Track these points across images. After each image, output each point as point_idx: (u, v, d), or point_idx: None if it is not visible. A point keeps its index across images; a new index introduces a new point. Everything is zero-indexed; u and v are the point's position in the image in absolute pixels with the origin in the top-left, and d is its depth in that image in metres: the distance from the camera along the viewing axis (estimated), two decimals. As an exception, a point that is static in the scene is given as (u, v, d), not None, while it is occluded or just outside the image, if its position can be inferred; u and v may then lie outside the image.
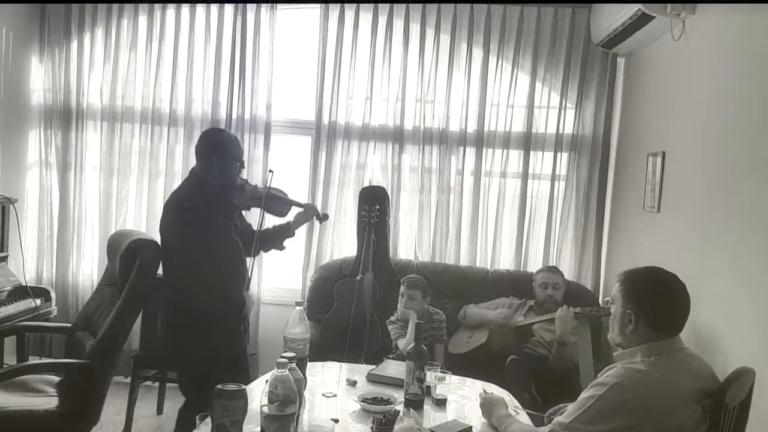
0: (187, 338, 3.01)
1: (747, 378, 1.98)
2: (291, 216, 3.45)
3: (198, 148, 3.13)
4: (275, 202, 3.30)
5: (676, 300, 1.96)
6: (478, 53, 4.50)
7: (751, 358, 2.32)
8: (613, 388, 1.85)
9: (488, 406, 2.29)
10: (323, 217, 3.62)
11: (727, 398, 1.84)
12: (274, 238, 3.41)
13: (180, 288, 3.01)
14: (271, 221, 3.58)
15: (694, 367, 1.95)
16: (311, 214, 3.46)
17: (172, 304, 3.06)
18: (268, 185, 3.23)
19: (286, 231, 3.42)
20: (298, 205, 3.42)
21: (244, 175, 3.56)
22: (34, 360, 3.60)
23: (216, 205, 3.04)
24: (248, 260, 3.21)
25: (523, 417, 2.32)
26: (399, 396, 2.41)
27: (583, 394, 1.93)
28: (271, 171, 3.35)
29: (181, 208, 3.01)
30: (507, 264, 4.57)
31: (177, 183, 4.59)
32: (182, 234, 2.99)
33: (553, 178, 4.52)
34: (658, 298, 1.96)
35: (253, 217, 3.45)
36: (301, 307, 2.39)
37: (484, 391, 2.48)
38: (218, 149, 3.06)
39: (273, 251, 3.48)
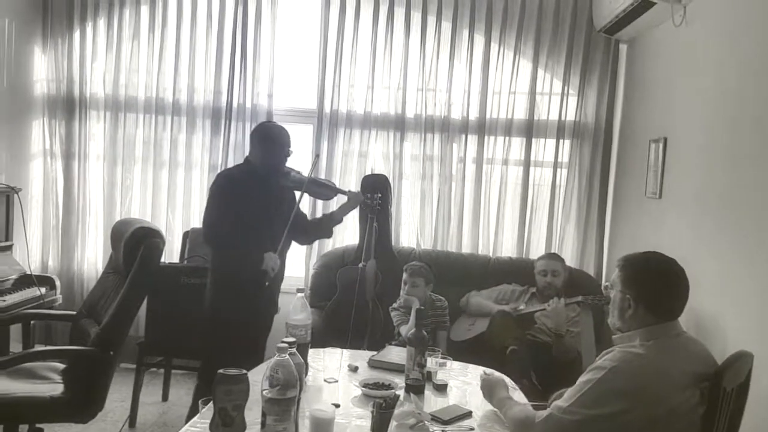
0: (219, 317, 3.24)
1: (745, 361, 1.98)
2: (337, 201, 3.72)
3: (250, 137, 3.49)
4: (318, 187, 3.49)
5: (675, 284, 1.96)
6: (479, 40, 4.49)
7: (750, 342, 2.33)
8: (612, 372, 1.85)
9: (489, 387, 2.30)
10: (372, 207, 3.89)
11: (725, 382, 1.83)
12: (322, 226, 3.65)
13: (213, 259, 3.31)
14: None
15: (693, 351, 1.95)
16: (356, 202, 3.58)
17: (211, 282, 3.32)
18: (312, 167, 3.40)
19: (332, 219, 3.61)
20: (343, 193, 3.57)
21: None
22: (39, 348, 3.63)
23: (257, 185, 3.26)
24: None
25: (520, 396, 2.35)
26: (400, 381, 2.43)
27: (582, 378, 1.93)
28: (317, 155, 3.76)
29: (221, 183, 3.29)
30: (509, 251, 4.58)
31: (180, 172, 4.67)
32: (220, 205, 3.21)
33: (556, 165, 4.52)
34: (657, 283, 1.96)
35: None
36: (303, 294, 2.44)
37: (485, 372, 2.50)
38: (264, 138, 3.33)
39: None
